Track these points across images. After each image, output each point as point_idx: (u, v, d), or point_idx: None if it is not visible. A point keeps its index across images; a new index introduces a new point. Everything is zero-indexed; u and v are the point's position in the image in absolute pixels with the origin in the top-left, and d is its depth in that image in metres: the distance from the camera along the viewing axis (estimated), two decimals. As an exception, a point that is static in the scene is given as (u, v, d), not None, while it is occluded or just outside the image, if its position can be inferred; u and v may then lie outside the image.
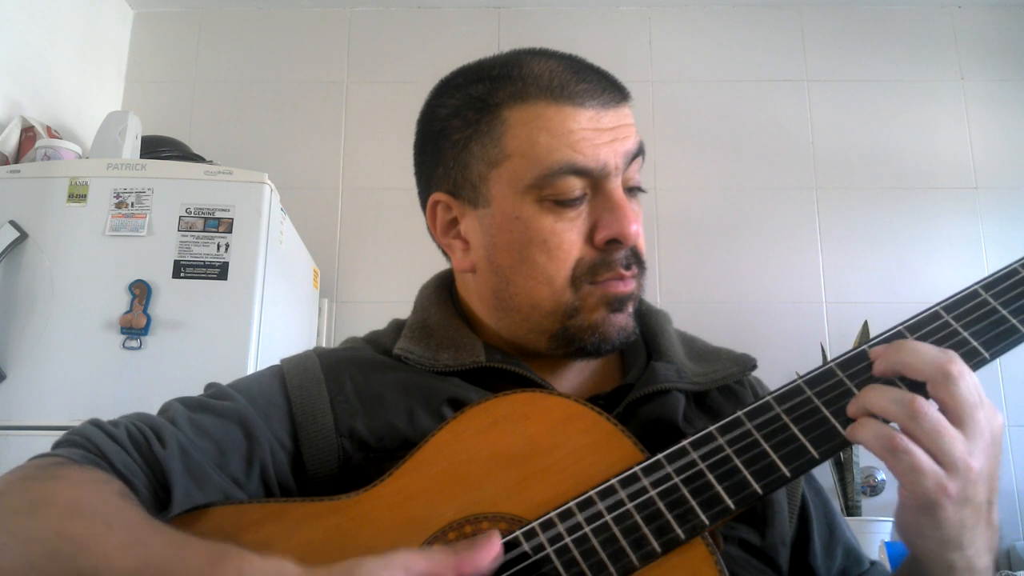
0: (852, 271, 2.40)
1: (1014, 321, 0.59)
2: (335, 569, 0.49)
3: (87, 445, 0.62)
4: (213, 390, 0.73)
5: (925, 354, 0.55)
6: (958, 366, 0.54)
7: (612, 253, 0.69)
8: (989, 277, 0.61)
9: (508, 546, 0.56)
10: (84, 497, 0.57)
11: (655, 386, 0.70)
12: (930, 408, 0.53)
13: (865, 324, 2.12)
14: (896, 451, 0.52)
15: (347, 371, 0.73)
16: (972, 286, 0.60)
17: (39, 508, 0.56)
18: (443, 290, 0.82)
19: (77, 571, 0.52)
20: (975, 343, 0.58)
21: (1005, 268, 0.61)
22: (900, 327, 0.60)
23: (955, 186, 2.46)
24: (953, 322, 0.59)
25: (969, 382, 0.54)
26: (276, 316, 1.82)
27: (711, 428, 0.59)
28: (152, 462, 0.63)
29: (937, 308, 0.60)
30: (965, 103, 2.53)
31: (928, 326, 0.60)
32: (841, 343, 2.27)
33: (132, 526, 0.55)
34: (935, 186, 2.46)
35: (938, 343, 0.58)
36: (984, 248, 2.40)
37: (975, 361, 0.57)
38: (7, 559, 0.53)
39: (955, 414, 0.53)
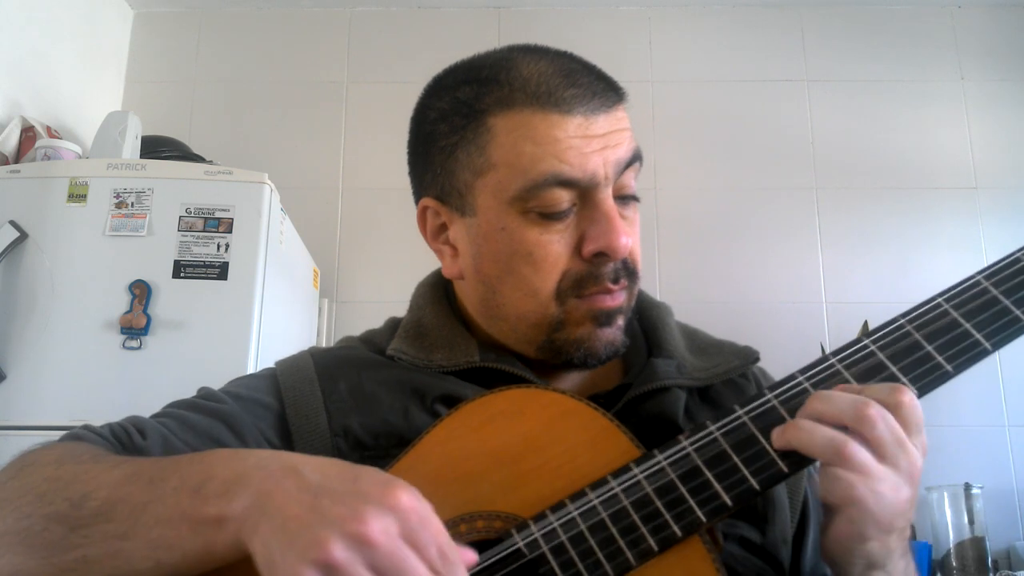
0: (852, 271, 2.40)
1: (1017, 312, 0.58)
2: (360, 471, 0.49)
3: (71, 439, 0.64)
4: (204, 392, 0.73)
5: (840, 402, 0.55)
6: (874, 408, 0.54)
7: (600, 266, 0.67)
8: (992, 266, 0.60)
9: (504, 545, 0.56)
10: (70, 451, 0.59)
11: (654, 383, 0.69)
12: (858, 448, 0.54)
13: (865, 324, 2.11)
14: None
15: (341, 370, 0.72)
16: (974, 275, 0.60)
17: (26, 469, 0.58)
18: (439, 289, 0.81)
19: (67, 501, 0.53)
20: (978, 335, 0.58)
21: (1008, 256, 0.60)
22: (901, 320, 0.60)
23: (955, 186, 2.46)
24: (953, 311, 0.59)
25: (889, 422, 0.54)
26: (276, 316, 1.82)
27: (708, 423, 0.59)
28: (134, 454, 0.63)
29: (939, 299, 0.60)
30: (965, 103, 2.53)
31: (928, 315, 0.59)
32: (841, 343, 2.26)
33: (122, 457, 0.58)
34: (935, 186, 2.46)
35: (939, 334, 0.58)
36: (984, 248, 2.40)
37: (977, 351, 0.57)
38: (3, 521, 0.54)
39: (879, 453, 0.54)
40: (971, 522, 2.01)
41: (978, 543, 1.99)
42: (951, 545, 2.00)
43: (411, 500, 0.48)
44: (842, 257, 2.41)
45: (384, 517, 0.46)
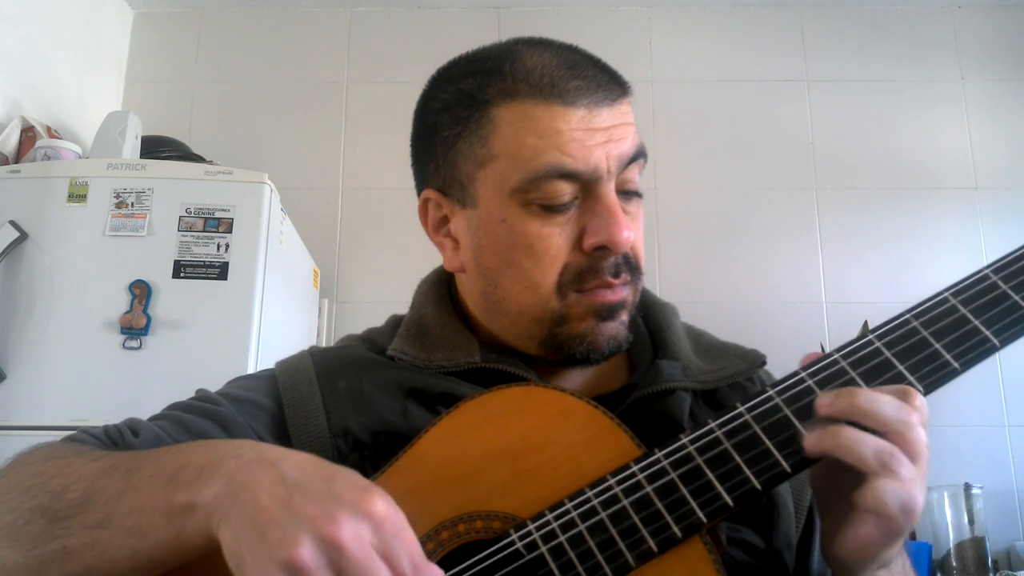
0: (852, 271, 2.40)
1: None
2: (337, 472, 0.49)
3: (67, 441, 0.65)
4: (201, 395, 0.73)
5: (887, 406, 0.53)
6: (916, 416, 0.52)
7: (600, 260, 0.66)
8: (1000, 260, 0.58)
9: (502, 546, 0.56)
10: (59, 449, 0.60)
11: (660, 385, 0.68)
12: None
13: (865, 324, 2.11)
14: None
15: (341, 370, 0.72)
16: (983, 270, 0.58)
17: (15, 467, 0.59)
18: (441, 287, 0.80)
19: (49, 493, 0.54)
20: (986, 331, 0.56)
21: (1018, 250, 0.58)
22: (907, 315, 0.58)
23: (955, 186, 2.46)
24: (960, 307, 0.57)
25: (920, 430, 0.53)
26: (276, 316, 1.82)
27: (710, 423, 0.57)
28: (125, 451, 0.63)
29: (946, 294, 0.58)
30: (965, 103, 2.53)
31: (934, 311, 0.57)
32: (841, 343, 2.26)
33: (104, 452, 0.58)
34: (935, 186, 2.46)
35: (946, 331, 0.56)
36: (984, 248, 2.40)
37: (986, 348, 0.56)
38: None
39: (915, 459, 0.52)
40: (971, 522, 2.01)
41: (978, 543, 1.99)
42: (951, 545, 2.00)
43: (386, 508, 0.46)
44: (842, 257, 2.41)
45: (357, 523, 0.44)
